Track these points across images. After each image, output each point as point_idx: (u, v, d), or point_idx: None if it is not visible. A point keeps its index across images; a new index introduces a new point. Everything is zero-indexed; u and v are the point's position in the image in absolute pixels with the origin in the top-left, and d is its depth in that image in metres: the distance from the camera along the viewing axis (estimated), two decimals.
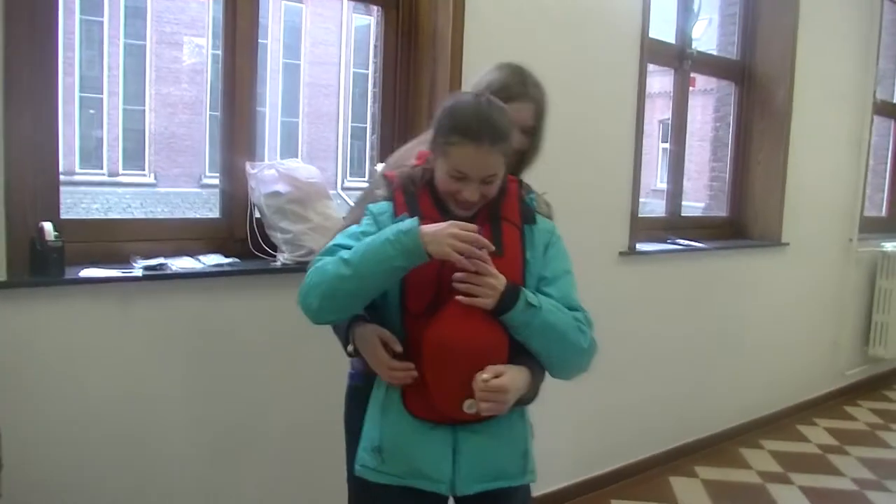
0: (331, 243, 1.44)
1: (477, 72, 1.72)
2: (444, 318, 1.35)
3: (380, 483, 1.45)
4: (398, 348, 1.40)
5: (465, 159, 1.36)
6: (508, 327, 1.37)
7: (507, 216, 1.45)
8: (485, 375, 1.32)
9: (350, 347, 1.48)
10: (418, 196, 1.44)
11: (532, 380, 1.41)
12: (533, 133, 1.64)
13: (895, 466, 3.54)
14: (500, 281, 1.34)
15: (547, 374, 1.48)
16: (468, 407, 1.35)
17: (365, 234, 1.41)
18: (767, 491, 3.21)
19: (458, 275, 1.33)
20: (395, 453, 1.43)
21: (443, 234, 1.31)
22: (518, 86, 1.61)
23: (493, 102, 1.41)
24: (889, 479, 3.37)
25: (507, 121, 1.41)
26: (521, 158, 1.68)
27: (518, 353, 1.40)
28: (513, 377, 1.35)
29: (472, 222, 1.36)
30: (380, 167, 2.25)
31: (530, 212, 1.48)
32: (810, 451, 3.71)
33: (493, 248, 1.35)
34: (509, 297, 1.34)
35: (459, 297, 1.33)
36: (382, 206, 1.45)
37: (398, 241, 1.31)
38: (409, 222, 1.33)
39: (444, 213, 1.41)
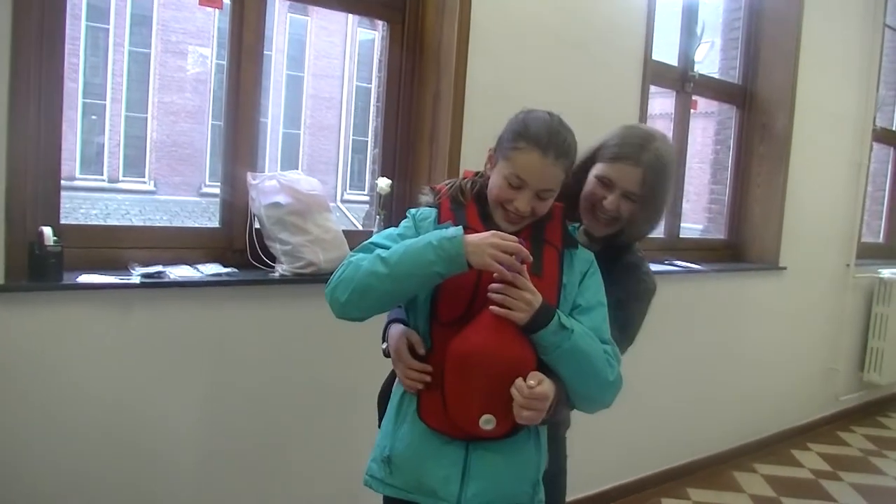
0: (367, 241, 1.44)
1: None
2: (473, 328, 1.33)
3: (386, 495, 1.45)
4: (421, 350, 1.40)
5: (528, 166, 1.37)
6: (538, 346, 1.34)
7: (550, 239, 1.45)
8: (531, 381, 1.29)
9: (384, 345, 1.49)
10: (466, 207, 1.45)
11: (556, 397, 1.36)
12: (636, 201, 1.53)
13: (889, 493, 3.53)
14: (536, 297, 1.32)
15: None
16: (485, 423, 1.32)
17: (402, 236, 1.42)
18: None
19: (494, 285, 1.32)
20: (405, 465, 1.41)
21: (485, 244, 1.30)
22: (633, 147, 1.53)
23: (564, 122, 1.44)
24: None
25: (575, 142, 1.44)
26: (623, 229, 1.58)
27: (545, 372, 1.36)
28: (551, 387, 1.32)
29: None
30: (381, 181, 2.26)
31: (572, 238, 1.47)
32: (803, 476, 3.69)
33: (531, 259, 1.33)
34: (543, 315, 1.32)
35: (493, 308, 1.31)
36: (425, 212, 1.47)
37: (440, 247, 1.30)
38: (453, 229, 1.33)
39: (488, 227, 1.40)
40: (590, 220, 1.56)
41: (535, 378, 1.30)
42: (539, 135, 1.38)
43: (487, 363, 1.31)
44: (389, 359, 1.48)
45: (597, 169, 1.54)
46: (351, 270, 1.37)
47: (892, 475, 3.77)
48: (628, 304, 1.59)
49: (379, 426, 1.58)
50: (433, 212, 1.46)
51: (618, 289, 1.55)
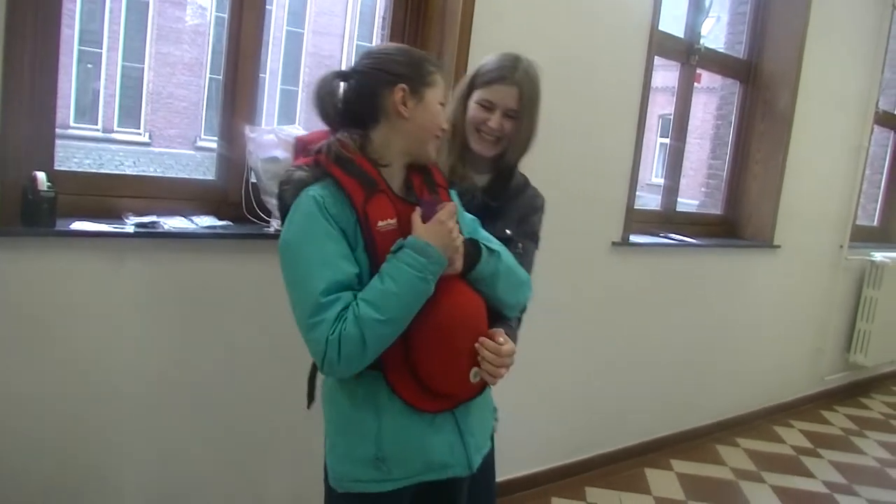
0: (319, 298, 1.25)
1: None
2: (442, 302, 1.33)
3: (385, 491, 1.39)
4: None
5: (444, 87, 1.45)
6: (479, 281, 1.40)
7: (440, 182, 1.48)
8: (500, 339, 1.38)
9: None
10: (356, 162, 1.34)
11: None
12: (515, 117, 1.66)
13: (867, 472, 3.59)
14: (459, 239, 1.36)
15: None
16: (474, 376, 1.38)
17: (330, 237, 1.28)
18: (740, 488, 3.25)
19: None
20: (405, 456, 1.38)
21: (443, 235, 1.31)
22: (507, 70, 1.65)
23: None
24: (859, 483, 3.41)
25: None
26: (508, 145, 1.71)
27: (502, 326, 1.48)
28: (512, 343, 1.43)
29: (418, 195, 1.40)
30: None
31: (445, 177, 1.53)
32: (785, 452, 3.75)
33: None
34: (473, 252, 1.39)
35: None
36: (324, 195, 1.30)
37: (431, 274, 1.28)
38: (422, 249, 1.27)
39: (382, 172, 1.37)
40: (477, 143, 1.68)
41: (500, 336, 1.39)
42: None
43: (462, 326, 1.37)
44: None
45: (476, 95, 1.67)
46: (351, 348, 1.24)
47: (871, 455, 3.83)
48: (530, 216, 1.76)
49: (308, 406, 1.54)
50: (328, 188, 1.31)
51: (517, 206, 1.74)
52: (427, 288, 1.28)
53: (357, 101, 1.39)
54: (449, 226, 1.31)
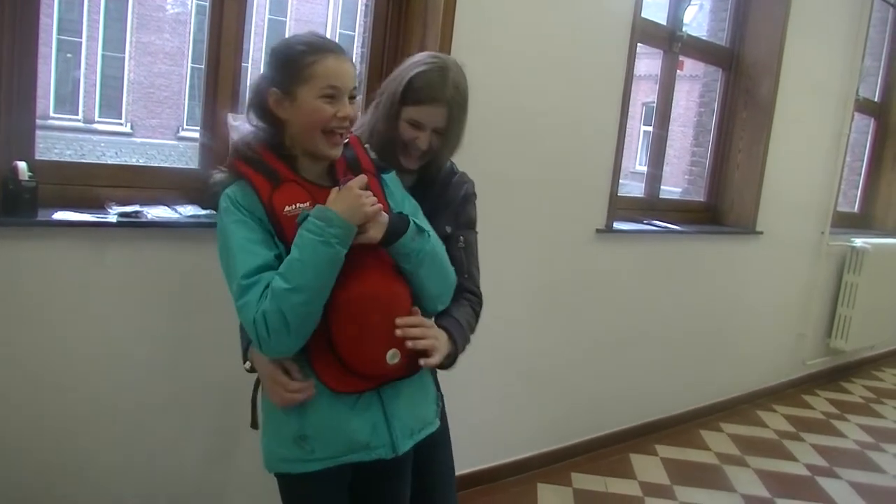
0: (240, 280, 1.32)
1: (408, 56, 1.69)
2: (353, 277, 1.34)
3: (309, 472, 1.42)
4: (298, 375, 1.39)
5: (333, 72, 1.36)
6: (400, 257, 1.40)
7: (365, 167, 1.47)
8: (414, 308, 1.42)
9: (247, 364, 1.53)
10: (262, 156, 1.40)
11: (452, 345, 1.50)
12: (443, 133, 1.64)
13: (848, 455, 3.64)
14: (382, 214, 1.36)
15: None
16: (392, 357, 1.38)
17: (252, 239, 1.34)
18: (724, 472, 3.29)
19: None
20: (326, 435, 1.40)
21: (350, 200, 1.32)
22: (437, 90, 1.59)
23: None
24: (840, 466, 3.46)
25: None
26: (433, 158, 1.68)
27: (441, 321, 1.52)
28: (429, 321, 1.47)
29: (337, 180, 1.40)
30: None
31: (379, 163, 1.52)
32: (767, 437, 3.79)
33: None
34: (397, 224, 1.38)
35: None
36: (235, 191, 1.38)
37: (332, 237, 1.28)
38: (321, 213, 1.30)
39: (290, 166, 1.40)
40: (405, 158, 1.65)
41: (417, 310, 1.43)
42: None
43: (377, 304, 1.37)
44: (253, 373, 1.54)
45: (406, 113, 1.61)
46: (275, 321, 1.28)
47: (852, 438, 3.88)
48: (465, 207, 1.74)
49: (251, 425, 1.59)
50: (241, 184, 1.38)
51: (447, 201, 1.72)
52: (332, 252, 1.28)
53: (257, 101, 1.43)
54: (355, 191, 1.32)
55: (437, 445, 1.67)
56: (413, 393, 1.50)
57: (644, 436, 3.51)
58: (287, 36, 1.43)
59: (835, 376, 4.94)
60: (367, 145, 1.54)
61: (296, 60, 1.35)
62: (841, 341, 4.75)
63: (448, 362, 1.52)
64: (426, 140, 1.61)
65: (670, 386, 3.67)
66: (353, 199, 1.32)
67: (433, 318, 1.54)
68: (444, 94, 1.59)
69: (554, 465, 3.09)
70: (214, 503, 2.20)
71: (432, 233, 1.47)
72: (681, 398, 3.75)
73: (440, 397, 1.65)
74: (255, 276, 1.31)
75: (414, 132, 1.61)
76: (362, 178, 1.36)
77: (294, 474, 1.45)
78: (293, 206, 1.35)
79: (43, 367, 1.81)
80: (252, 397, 1.58)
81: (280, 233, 1.35)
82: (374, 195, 1.38)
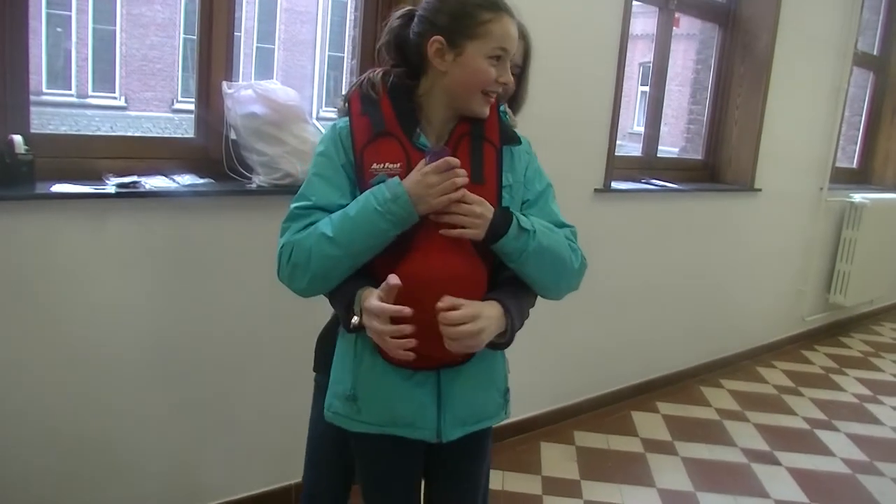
0: (297, 204, 1.33)
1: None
2: (424, 252, 1.28)
3: (354, 431, 1.41)
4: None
5: (508, 34, 1.30)
6: (503, 256, 1.31)
7: (489, 137, 1.37)
8: (454, 303, 1.23)
9: (355, 319, 1.30)
10: (380, 103, 1.34)
11: (507, 320, 1.32)
12: (520, 76, 1.57)
13: (846, 408, 3.69)
14: (487, 209, 1.28)
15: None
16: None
17: (326, 156, 1.33)
18: (724, 427, 3.33)
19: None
20: (374, 402, 1.37)
21: (423, 186, 1.24)
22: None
23: None
24: (839, 419, 3.51)
25: None
26: (509, 103, 1.60)
27: (499, 292, 1.34)
28: (477, 311, 1.25)
29: (448, 143, 1.32)
30: None
31: (510, 132, 1.41)
32: (767, 392, 3.84)
33: (466, 179, 1.27)
34: (500, 224, 1.28)
35: (444, 231, 1.27)
36: (343, 127, 1.36)
37: (389, 212, 1.24)
38: (394, 187, 1.25)
39: (402, 125, 1.33)
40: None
41: (445, 302, 1.23)
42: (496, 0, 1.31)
43: (430, 287, 1.25)
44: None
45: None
46: (300, 256, 1.28)
47: (850, 391, 3.93)
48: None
49: (314, 369, 1.62)
50: (346, 121, 1.35)
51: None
52: (383, 226, 1.24)
53: (406, 46, 1.36)
54: (428, 180, 1.24)
55: (484, 438, 1.54)
56: (476, 380, 1.40)
57: (645, 393, 3.55)
58: None
59: (834, 331, 4.98)
60: (504, 107, 1.46)
61: (472, 15, 1.29)
62: (840, 296, 4.78)
63: (502, 341, 1.37)
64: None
65: (671, 344, 3.70)
66: (423, 186, 1.24)
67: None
68: (522, 30, 1.54)
69: (557, 424, 3.13)
70: (205, 469, 2.23)
71: (540, 227, 1.34)
72: (681, 356, 3.78)
73: (507, 391, 1.52)
74: (307, 211, 1.32)
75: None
76: (441, 164, 1.25)
77: (342, 428, 1.42)
78: (381, 165, 1.30)
79: (45, 339, 1.83)
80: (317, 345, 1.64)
81: (361, 184, 1.31)
82: (488, 168, 1.33)
